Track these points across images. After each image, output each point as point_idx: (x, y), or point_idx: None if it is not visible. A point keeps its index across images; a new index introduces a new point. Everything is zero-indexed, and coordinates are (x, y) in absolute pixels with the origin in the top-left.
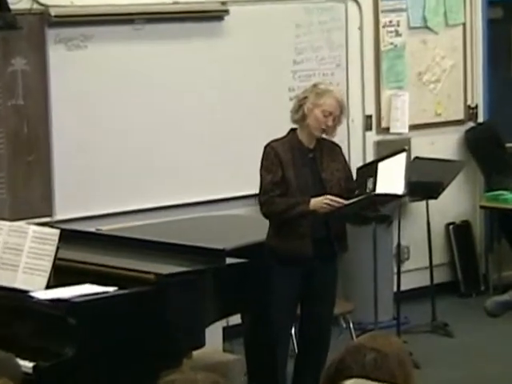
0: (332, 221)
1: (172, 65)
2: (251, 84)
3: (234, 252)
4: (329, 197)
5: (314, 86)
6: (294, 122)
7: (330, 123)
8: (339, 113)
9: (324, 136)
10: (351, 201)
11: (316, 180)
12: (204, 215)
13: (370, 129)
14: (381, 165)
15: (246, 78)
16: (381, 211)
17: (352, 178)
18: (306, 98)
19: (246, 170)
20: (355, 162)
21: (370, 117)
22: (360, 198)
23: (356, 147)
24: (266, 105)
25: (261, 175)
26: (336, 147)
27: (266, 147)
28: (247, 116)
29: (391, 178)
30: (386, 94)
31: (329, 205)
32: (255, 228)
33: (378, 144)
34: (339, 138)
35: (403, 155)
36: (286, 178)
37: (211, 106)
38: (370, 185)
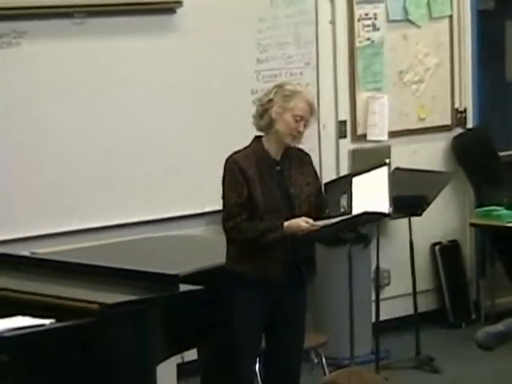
0: (299, 243)
1: (117, 64)
2: (208, 86)
3: (190, 278)
4: (305, 219)
5: (280, 86)
6: (259, 129)
7: (301, 129)
8: (310, 116)
9: (293, 144)
10: (332, 221)
11: (284, 196)
12: (156, 236)
13: (345, 136)
14: (356, 180)
15: (202, 79)
16: (358, 231)
17: (322, 193)
18: (271, 100)
19: (204, 185)
20: (327, 174)
21: (344, 122)
22: (344, 217)
23: (328, 157)
24: (226, 110)
25: (224, 195)
26: (305, 156)
27: (227, 161)
28: (204, 123)
29: (370, 195)
30: (362, 96)
31: (306, 228)
32: (214, 250)
33: (354, 153)
34: (308, 146)
35: (384, 169)
36: (253, 197)
37: (162, 113)
38: (343, 202)
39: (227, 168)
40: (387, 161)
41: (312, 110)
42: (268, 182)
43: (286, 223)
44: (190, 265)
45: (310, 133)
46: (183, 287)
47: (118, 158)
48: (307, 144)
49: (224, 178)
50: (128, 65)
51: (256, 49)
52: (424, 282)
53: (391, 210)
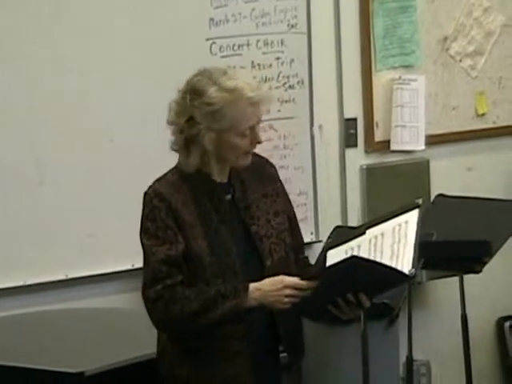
0: (280, 316)
1: None
2: (129, 75)
3: (101, 376)
4: (289, 280)
5: (195, 91)
6: (190, 165)
7: (259, 137)
8: (262, 110)
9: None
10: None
11: (242, 241)
12: (48, 310)
13: (355, 144)
14: (370, 232)
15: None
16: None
17: (298, 225)
18: (189, 121)
19: (116, 234)
20: (325, 212)
21: (352, 122)
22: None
23: (326, 180)
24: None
25: (143, 247)
26: (266, 166)
27: (146, 194)
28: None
29: (386, 252)
30: (381, 78)
31: (291, 296)
32: (136, 331)
33: (369, 173)
34: (292, 161)
35: (413, 215)
36: (193, 254)
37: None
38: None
39: (147, 205)
40: (419, 201)
41: (263, 100)
42: (216, 225)
43: (253, 285)
44: (101, 357)
45: (296, 139)
46: None
47: None
48: (291, 158)
49: (142, 219)
50: None
51: (208, 2)
52: (486, 380)
53: (415, 271)
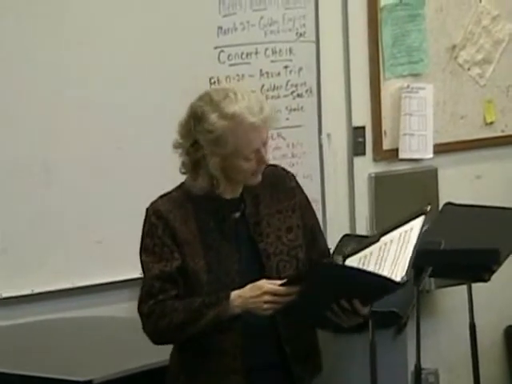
0: (285, 324)
1: None
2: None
3: None
4: (267, 286)
5: (196, 117)
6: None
7: (265, 158)
8: (266, 132)
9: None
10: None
11: (249, 259)
12: (56, 318)
13: (363, 153)
14: (386, 238)
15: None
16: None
17: (322, 236)
18: (194, 145)
19: (122, 245)
20: (334, 219)
21: (361, 130)
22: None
23: (334, 188)
24: (166, 113)
25: (141, 263)
26: (284, 178)
27: (146, 211)
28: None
29: (390, 258)
30: (390, 86)
31: (272, 302)
32: (144, 340)
33: (378, 181)
34: (301, 170)
35: (419, 221)
36: (190, 272)
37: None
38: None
39: (146, 222)
40: (428, 208)
41: (266, 123)
42: (218, 244)
43: (235, 292)
44: (106, 366)
45: (304, 148)
46: None
47: None
48: (299, 166)
49: (142, 236)
50: None
51: (216, 10)
52: None
53: (406, 279)
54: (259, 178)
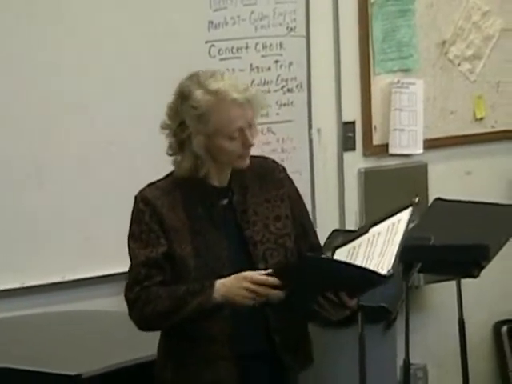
0: (274, 314)
1: None
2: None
3: (99, 379)
4: (249, 275)
5: (182, 96)
6: (186, 170)
7: (250, 139)
8: (253, 112)
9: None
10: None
11: (236, 246)
12: (46, 312)
13: (353, 148)
14: (375, 229)
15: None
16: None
17: (313, 230)
18: (181, 125)
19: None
20: (324, 213)
21: (351, 125)
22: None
23: (325, 183)
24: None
25: (129, 250)
26: (274, 170)
27: (135, 198)
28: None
29: (377, 250)
30: (380, 81)
31: (254, 292)
32: (134, 334)
33: (367, 176)
34: (292, 164)
35: (407, 213)
36: (177, 258)
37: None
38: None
39: (134, 209)
40: (416, 200)
41: (251, 102)
42: (206, 230)
43: (220, 281)
44: (99, 360)
45: (294, 143)
46: None
47: None
48: (289, 161)
49: (131, 223)
50: None
51: (207, 4)
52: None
53: (392, 272)
54: (246, 162)
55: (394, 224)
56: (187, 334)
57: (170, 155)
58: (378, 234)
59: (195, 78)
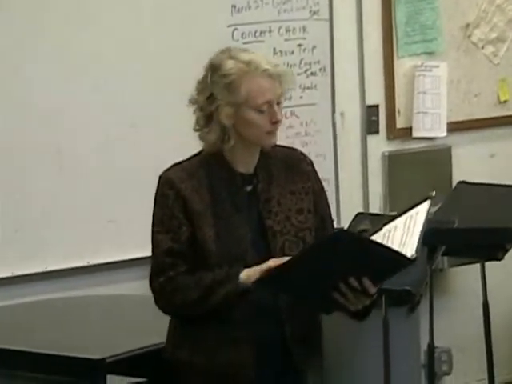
0: (287, 306)
1: None
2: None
3: (123, 363)
4: (272, 263)
5: (213, 68)
6: (213, 146)
7: (278, 115)
8: (281, 87)
9: (272, 142)
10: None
11: (256, 234)
12: (69, 297)
13: (376, 131)
14: (387, 227)
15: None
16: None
17: (331, 223)
18: (210, 98)
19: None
20: (347, 198)
21: (374, 108)
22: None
23: (348, 167)
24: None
25: (152, 233)
26: (301, 162)
27: (159, 178)
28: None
29: (396, 242)
30: (403, 65)
31: None
32: (157, 318)
33: (391, 160)
34: (315, 148)
35: (425, 205)
36: (199, 242)
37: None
38: None
39: (158, 191)
40: (432, 194)
41: (282, 78)
42: (229, 214)
43: (245, 271)
44: (121, 343)
45: (317, 126)
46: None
47: None
48: (313, 145)
49: (154, 206)
50: None
51: None
52: (508, 369)
53: (415, 255)
54: (274, 140)
55: (411, 216)
56: (203, 319)
57: (197, 130)
58: (395, 228)
59: (227, 52)
